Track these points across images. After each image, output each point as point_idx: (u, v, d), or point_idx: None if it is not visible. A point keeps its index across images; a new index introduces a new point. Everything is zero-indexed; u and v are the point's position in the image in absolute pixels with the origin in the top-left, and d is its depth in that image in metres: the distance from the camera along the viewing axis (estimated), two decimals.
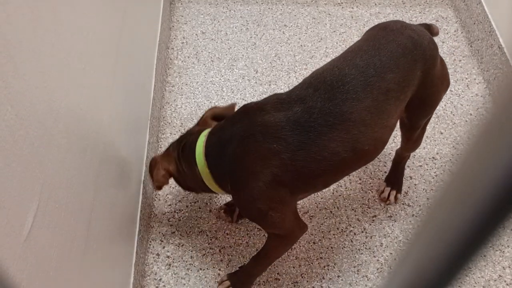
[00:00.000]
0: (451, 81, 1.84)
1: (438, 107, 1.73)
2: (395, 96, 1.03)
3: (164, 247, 1.40)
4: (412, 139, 1.32)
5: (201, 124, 1.24)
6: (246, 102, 1.73)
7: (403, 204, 1.51)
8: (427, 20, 2.03)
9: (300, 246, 1.41)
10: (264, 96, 1.76)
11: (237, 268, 1.30)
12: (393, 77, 1.02)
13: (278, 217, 1.06)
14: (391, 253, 1.41)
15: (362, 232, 1.45)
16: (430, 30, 1.22)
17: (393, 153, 1.52)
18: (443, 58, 1.22)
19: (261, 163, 1.00)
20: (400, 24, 1.13)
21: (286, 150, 0.98)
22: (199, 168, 1.12)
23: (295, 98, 1.02)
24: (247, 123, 1.04)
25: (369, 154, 1.06)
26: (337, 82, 1.01)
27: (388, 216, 1.48)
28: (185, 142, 1.17)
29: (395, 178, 1.50)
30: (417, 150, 1.59)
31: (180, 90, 1.77)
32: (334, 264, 1.38)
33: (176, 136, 1.64)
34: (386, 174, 1.53)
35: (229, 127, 1.07)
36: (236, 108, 1.22)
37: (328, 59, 1.90)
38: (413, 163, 1.59)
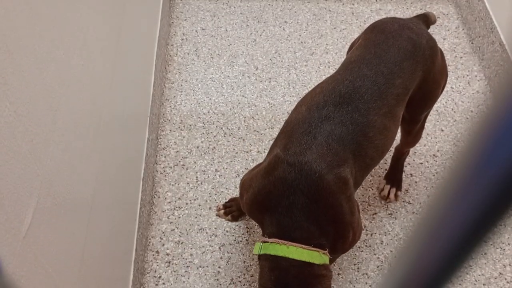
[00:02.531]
0: (452, 78, 1.84)
1: (439, 104, 1.73)
2: (403, 99, 1.09)
3: (163, 245, 1.40)
4: (412, 133, 1.33)
5: None
6: (245, 99, 1.74)
7: (403, 201, 1.51)
8: None
9: None
10: (264, 92, 1.76)
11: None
12: (401, 82, 1.07)
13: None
14: (391, 251, 1.41)
15: (363, 229, 1.44)
16: (428, 19, 1.23)
17: (393, 151, 1.51)
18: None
19: (344, 189, 0.99)
20: (397, 23, 1.14)
21: (350, 171, 1.00)
22: None
23: (318, 122, 1.00)
24: (314, 158, 0.97)
25: (387, 150, 1.14)
26: (354, 94, 1.03)
27: (389, 214, 1.48)
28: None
29: (394, 176, 1.50)
30: (417, 147, 1.59)
31: (179, 87, 1.77)
32: (334, 262, 1.38)
33: (176, 133, 1.64)
34: (386, 171, 1.53)
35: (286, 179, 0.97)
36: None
37: (329, 56, 1.90)
38: (413, 160, 1.59)
